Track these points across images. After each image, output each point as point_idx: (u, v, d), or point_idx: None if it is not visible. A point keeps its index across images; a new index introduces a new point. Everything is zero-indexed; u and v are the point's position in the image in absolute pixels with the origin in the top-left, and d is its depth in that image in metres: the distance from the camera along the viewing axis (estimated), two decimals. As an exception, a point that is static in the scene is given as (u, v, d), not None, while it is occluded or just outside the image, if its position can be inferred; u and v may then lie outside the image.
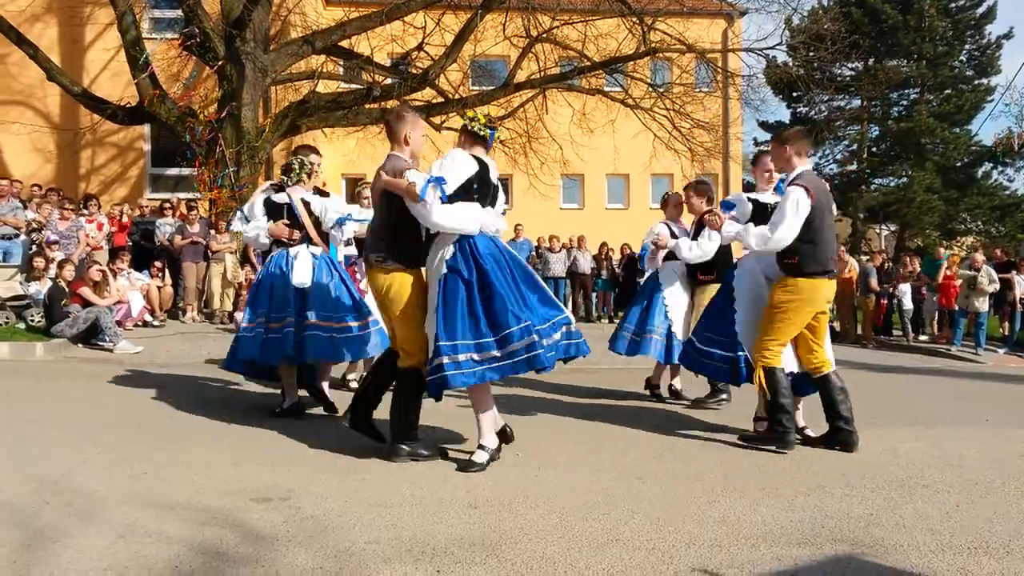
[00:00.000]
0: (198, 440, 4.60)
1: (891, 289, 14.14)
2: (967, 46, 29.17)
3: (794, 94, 27.43)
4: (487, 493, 3.66)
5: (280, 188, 5.44)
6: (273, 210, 5.38)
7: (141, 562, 2.74)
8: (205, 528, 3.09)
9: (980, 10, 28.49)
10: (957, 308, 12.85)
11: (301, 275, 5.23)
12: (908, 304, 13.75)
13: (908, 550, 3.08)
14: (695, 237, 6.10)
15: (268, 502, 3.43)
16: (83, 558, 2.76)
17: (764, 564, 2.89)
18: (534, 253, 15.81)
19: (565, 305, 10.10)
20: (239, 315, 10.60)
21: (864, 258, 16.01)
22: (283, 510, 3.33)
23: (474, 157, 4.14)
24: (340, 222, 5.48)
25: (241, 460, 4.16)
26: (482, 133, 4.25)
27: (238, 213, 5.61)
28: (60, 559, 2.75)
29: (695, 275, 6.23)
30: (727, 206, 5.32)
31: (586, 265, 15.70)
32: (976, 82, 29.06)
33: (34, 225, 10.90)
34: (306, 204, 5.35)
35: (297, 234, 5.32)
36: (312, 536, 3.04)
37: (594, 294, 16.08)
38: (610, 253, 16.04)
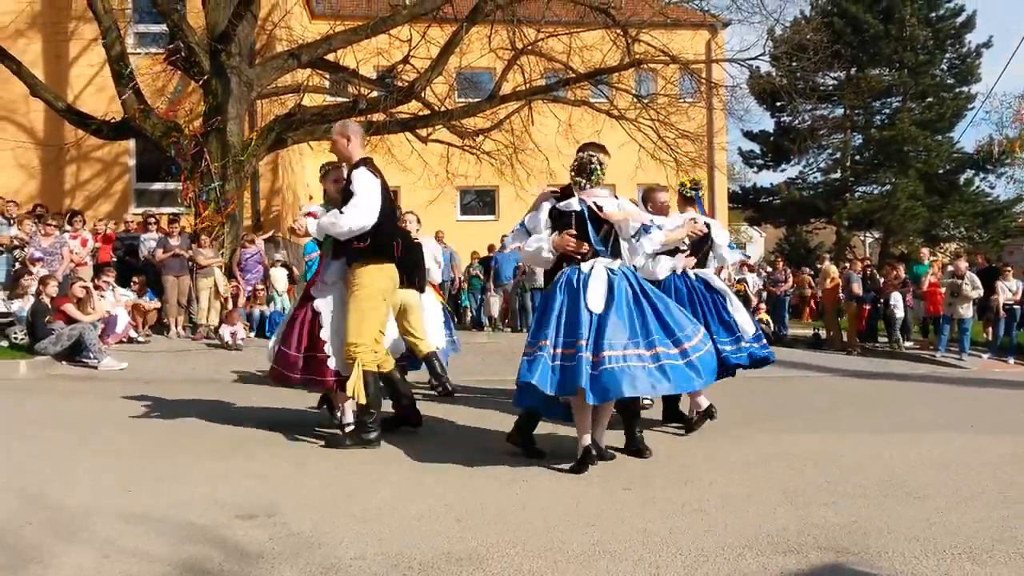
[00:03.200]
0: (184, 456, 4.57)
1: (876, 295, 14.21)
2: (948, 55, 29.61)
3: (777, 104, 27.72)
4: (473, 507, 3.66)
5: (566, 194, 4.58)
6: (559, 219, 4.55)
7: (124, 582, 2.72)
8: (190, 546, 3.07)
9: (960, 19, 28.94)
10: (943, 314, 12.96)
11: (594, 298, 4.31)
12: (900, 312, 13.78)
13: (892, 556, 3.10)
14: None
15: (253, 519, 3.41)
16: (65, 578, 2.74)
17: (751, 573, 2.90)
18: (520, 264, 15.81)
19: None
20: (225, 330, 10.56)
21: (846, 265, 16.08)
22: (268, 527, 3.31)
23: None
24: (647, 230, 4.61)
25: (227, 476, 4.14)
26: (688, 195, 5.81)
27: (516, 227, 4.74)
28: (42, 580, 2.73)
29: None
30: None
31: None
32: (957, 90, 29.50)
33: (16, 242, 10.81)
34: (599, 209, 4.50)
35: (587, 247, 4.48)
36: (298, 553, 3.03)
37: None
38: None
